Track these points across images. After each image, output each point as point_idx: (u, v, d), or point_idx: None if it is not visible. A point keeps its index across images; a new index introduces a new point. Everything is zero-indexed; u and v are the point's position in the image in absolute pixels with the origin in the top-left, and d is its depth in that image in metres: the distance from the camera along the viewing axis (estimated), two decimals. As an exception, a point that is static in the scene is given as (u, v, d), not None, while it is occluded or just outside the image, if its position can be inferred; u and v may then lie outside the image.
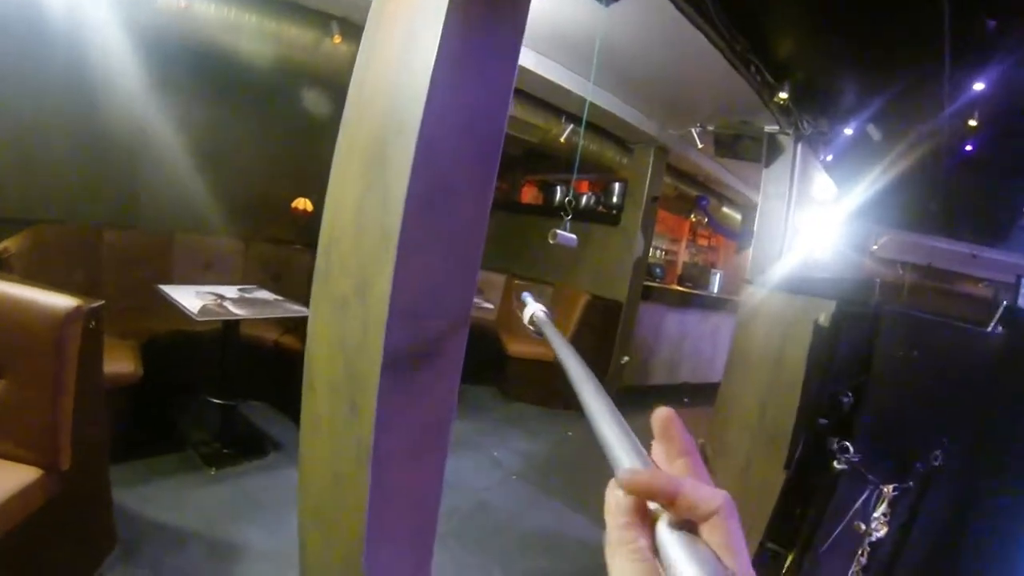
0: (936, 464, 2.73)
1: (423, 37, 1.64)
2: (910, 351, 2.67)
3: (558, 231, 1.85)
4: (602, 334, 6.99)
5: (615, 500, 0.46)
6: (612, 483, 0.47)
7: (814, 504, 3.27)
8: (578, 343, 5.15)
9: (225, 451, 4.24)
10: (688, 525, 0.43)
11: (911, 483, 2.68)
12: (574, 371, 0.72)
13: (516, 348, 6.47)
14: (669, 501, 0.44)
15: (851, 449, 2.49)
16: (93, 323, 2.60)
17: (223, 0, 4.19)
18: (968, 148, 5.90)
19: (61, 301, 2.42)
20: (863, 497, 2.60)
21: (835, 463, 2.52)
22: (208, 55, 4.62)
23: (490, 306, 6.42)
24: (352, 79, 2.15)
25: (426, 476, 1.99)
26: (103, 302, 2.71)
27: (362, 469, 1.78)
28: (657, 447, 0.53)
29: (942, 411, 2.76)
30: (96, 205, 5.23)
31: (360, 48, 2.15)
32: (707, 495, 0.43)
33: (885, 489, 2.56)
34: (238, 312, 4.00)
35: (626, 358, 7.10)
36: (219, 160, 6.00)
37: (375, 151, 1.79)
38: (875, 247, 10.40)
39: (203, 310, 3.86)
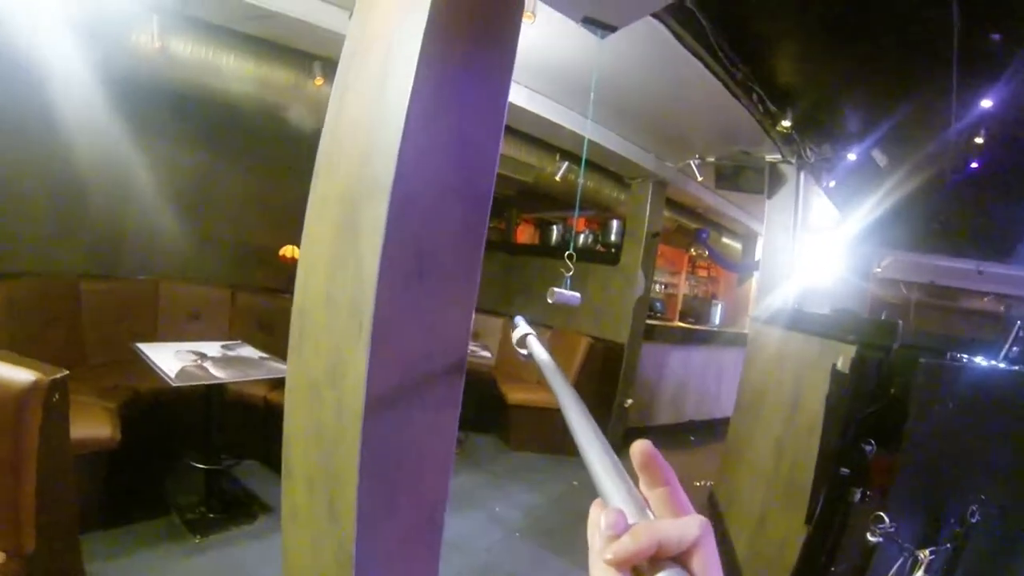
0: (973, 521, 2.50)
1: (396, 78, 1.44)
2: (945, 401, 2.45)
3: (556, 290, 1.65)
4: (604, 377, 6.73)
5: (603, 516, 0.48)
6: (596, 503, 0.52)
7: (839, 562, 3.06)
8: (580, 388, 4.99)
9: (211, 516, 3.99)
10: (670, 562, 0.45)
11: (948, 545, 2.45)
12: (564, 397, 0.74)
13: (516, 396, 6.21)
14: (655, 553, 0.45)
15: (887, 520, 2.26)
16: (57, 396, 2.37)
17: (199, 41, 4.06)
18: (974, 165, 5.76)
19: (19, 375, 2.22)
20: (897, 564, 2.37)
21: (869, 536, 2.29)
22: (189, 98, 4.52)
23: (487, 354, 6.22)
24: (324, 126, 1.95)
25: (417, 579, 1.75)
26: (67, 372, 2.45)
27: (344, 574, 1.56)
28: (640, 477, 0.55)
29: (976, 464, 2.54)
30: (74, 254, 5.05)
31: (332, 91, 1.95)
32: (685, 532, 0.45)
33: (921, 555, 2.33)
34: (219, 375, 3.79)
35: (629, 401, 6.86)
36: (204, 205, 5.86)
37: (346, 215, 1.58)
38: (878, 269, 10.30)
39: (181, 373, 3.65)
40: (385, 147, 1.42)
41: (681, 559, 0.45)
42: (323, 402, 1.65)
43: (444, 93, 1.48)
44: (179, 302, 5.54)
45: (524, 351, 1.18)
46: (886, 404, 2.91)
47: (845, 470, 3.01)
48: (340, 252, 1.58)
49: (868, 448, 3.00)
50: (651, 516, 0.50)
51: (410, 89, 1.39)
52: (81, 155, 4.92)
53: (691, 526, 0.46)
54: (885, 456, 3.01)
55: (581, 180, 4.71)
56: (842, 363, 3.09)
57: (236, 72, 4.24)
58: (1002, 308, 11.68)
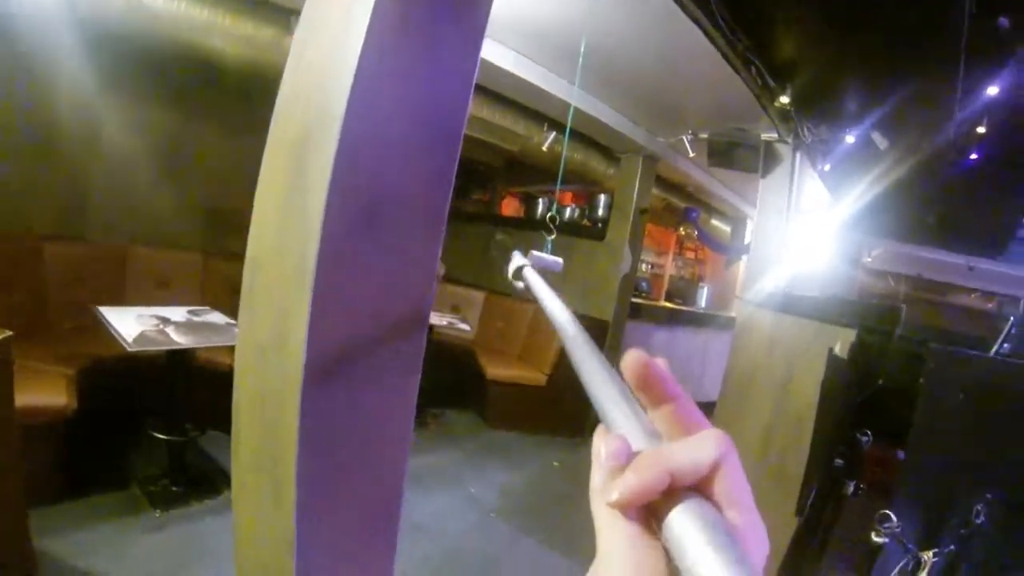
0: (978, 522, 2.34)
1: (356, 8, 1.24)
2: (955, 392, 2.28)
3: (536, 253, 1.47)
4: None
5: (603, 445, 0.40)
6: (599, 430, 0.43)
7: (830, 559, 2.92)
8: (562, 368, 4.81)
9: (174, 489, 3.82)
10: (688, 491, 0.37)
11: (952, 546, 2.29)
12: (565, 328, 0.66)
13: (496, 371, 6.03)
14: (668, 486, 0.36)
15: (894, 518, 2.09)
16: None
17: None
18: (973, 157, 5.65)
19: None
20: (900, 566, 2.21)
21: (873, 536, 2.12)
22: (164, 54, 4.31)
23: (467, 327, 6.02)
24: (284, 72, 1.74)
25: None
26: (9, 334, 2.34)
27: (287, 564, 1.37)
28: (640, 398, 0.45)
29: (985, 461, 2.38)
30: (38, 215, 4.85)
31: (295, 36, 1.75)
32: (700, 454, 0.37)
33: (925, 557, 2.17)
34: (179, 340, 3.60)
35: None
36: (177, 167, 5.65)
37: (297, 157, 1.38)
38: (868, 259, 10.24)
39: (140, 338, 3.45)
40: (339, 82, 1.23)
41: (700, 487, 0.37)
42: (268, 367, 1.46)
43: (408, 26, 1.28)
44: (149, 267, 5.35)
45: (520, 283, 1.09)
46: (885, 392, 2.76)
47: (839, 461, 2.87)
48: (290, 197, 1.39)
49: (864, 439, 2.88)
50: (661, 440, 0.41)
51: (369, 15, 1.19)
52: (48, 110, 4.74)
53: (706, 446, 0.38)
54: (881, 447, 2.89)
55: (565, 145, 4.51)
56: (840, 348, 2.93)
57: (211, 26, 4.04)
58: (989, 305, 11.73)
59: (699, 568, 0.32)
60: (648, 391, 0.44)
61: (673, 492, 0.36)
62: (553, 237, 2.29)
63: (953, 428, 2.31)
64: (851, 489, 2.90)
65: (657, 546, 0.37)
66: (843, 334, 2.95)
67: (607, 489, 0.38)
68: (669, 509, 0.36)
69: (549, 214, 2.34)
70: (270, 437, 1.46)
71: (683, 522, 0.35)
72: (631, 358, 0.44)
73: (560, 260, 1.51)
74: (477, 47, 1.49)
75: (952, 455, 2.32)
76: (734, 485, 0.38)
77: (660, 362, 0.45)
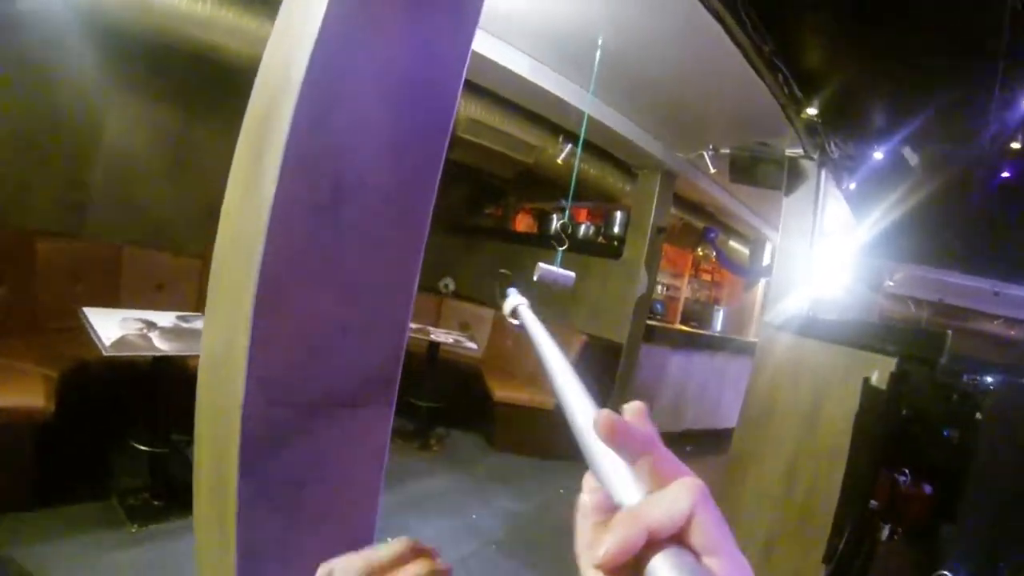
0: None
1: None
2: (1018, 432, 2.03)
3: (543, 265, 1.26)
4: (599, 379, 6.30)
5: (586, 498, 0.45)
6: (587, 476, 0.46)
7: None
8: (572, 390, 4.58)
9: (155, 503, 3.63)
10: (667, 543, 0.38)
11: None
12: (558, 374, 0.62)
13: (503, 393, 5.81)
14: (646, 541, 0.38)
15: (949, 576, 1.85)
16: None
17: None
18: (1005, 175, 5.46)
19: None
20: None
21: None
22: (167, 50, 4.19)
23: (474, 346, 5.81)
24: (267, 47, 1.52)
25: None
26: None
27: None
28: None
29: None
30: (33, 210, 4.72)
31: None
32: (674, 508, 0.38)
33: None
34: (162, 346, 3.41)
35: (625, 405, 6.44)
36: (177, 168, 5.51)
37: (259, 132, 1.15)
38: (890, 283, 10.07)
39: (119, 342, 3.27)
40: (304, 39, 0.99)
41: (679, 536, 0.37)
42: (220, 383, 1.22)
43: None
44: (145, 269, 5.19)
45: (516, 321, 1.06)
46: (910, 422, 2.52)
47: (874, 502, 2.64)
48: (248, 188, 1.15)
49: (902, 479, 2.63)
50: (639, 482, 0.41)
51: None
52: (48, 104, 4.64)
53: (680, 498, 0.38)
54: (918, 487, 2.66)
55: (579, 154, 4.30)
56: (877, 378, 2.67)
57: (213, 21, 3.93)
58: (1012, 332, 11.49)
59: None
60: (623, 449, 0.44)
61: (653, 544, 0.37)
62: (564, 248, 2.07)
63: (1013, 472, 2.07)
64: (886, 534, 2.66)
65: None
66: (880, 362, 2.70)
67: (591, 547, 0.41)
68: (649, 561, 0.37)
69: (560, 222, 2.12)
70: (220, 466, 1.22)
71: (663, 573, 0.36)
72: (601, 421, 0.43)
73: (572, 274, 1.31)
74: (469, 29, 1.25)
75: (1011, 502, 2.07)
76: (710, 532, 0.38)
77: (635, 409, 0.47)
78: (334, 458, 1.17)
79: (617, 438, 0.43)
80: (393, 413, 1.23)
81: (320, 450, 1.13)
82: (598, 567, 0.38)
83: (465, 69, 1.20)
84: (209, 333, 1.39)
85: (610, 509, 0.41)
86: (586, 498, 0.45)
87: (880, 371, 2.68)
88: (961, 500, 2.26)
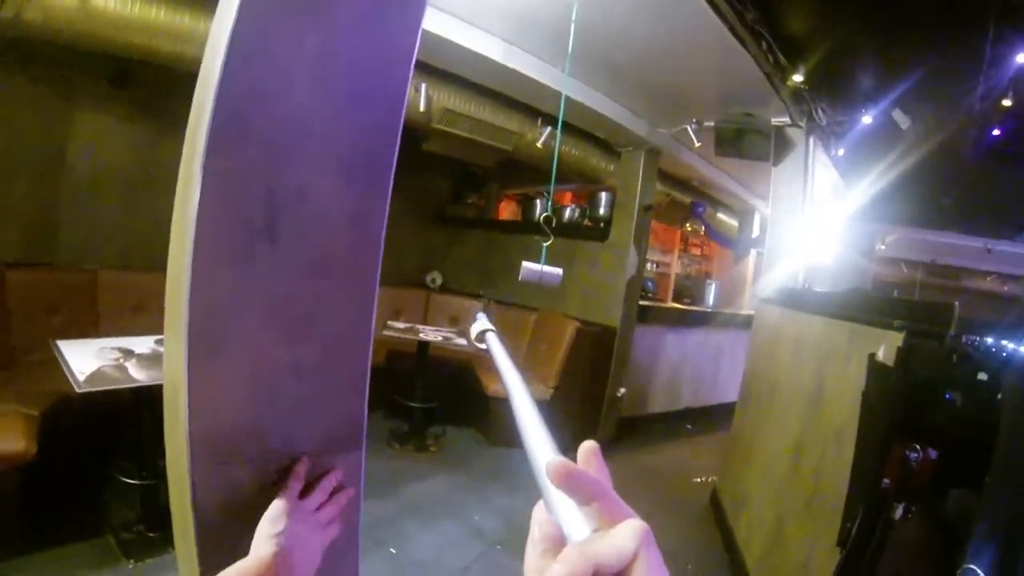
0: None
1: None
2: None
3: (527, 264, 1.16)
4: (594, 365, 6.23)
5: (536, 527, 0.50)
6: (538, 506, 0.51)
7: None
8: (568, 377, 4.44)
9: (150, 535, 3.51)
10: None
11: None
12: (520, 405, 0.67)
13: (497, 387, 5.65)
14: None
15: (980, 574, 1.74)
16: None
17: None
18: (996, 132, 5.39)
19: None
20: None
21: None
22: (130, 61, 4.11)
23: (463, 342, 5.66)
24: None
25: None
26: None
27: None
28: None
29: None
30: (2, 240, 4.57)
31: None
32: (622, 548, 0.42)
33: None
34: (138, 376, 3.25)
35: (622, 390, 6.36)
36: (148, 185, 5.32)
37: (189, 147, 1.01)
38: (882, 247, 10.04)
39: (95, 376, 3.15)
40: (220, 35, 0.86)
41: (623, 573, 0.41)
42: (169, 440, 1.09)
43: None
44: (122, 292, 5.01)
45: (483, 345, 1.05)
46: (929, 395, 2.43)
47: (886, 481, 2.54)
48: (178, 203, 1.02)
49: (913, 456, 2.54)
50: (588, 525, 0.45)
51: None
52: (6, 129, 4.48)
53: (627, 542, 0.42)
54: (926, 456, 2.58)
55: (559, 138, 4.17)
56: (884, 353, 2.56)
57: (168, 27, 3.78)
58: (1006, 288, 11.53)
59: None
60: (575, 494, 0.47)
61: None
62: (550, 243, 1.96)
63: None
64: (900, 513, 2.56)
65: None
66: (887, 337, 2.59)
67: (539, 572, 0.46)
68: None
69: (544, 215, 2.01)
70: (183, 519, 1.09)
71: None
72: (554, 470, 0.47)
73: (559, 271, 1.23)
74: (419, 4, 1.11)
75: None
76: (652, 572, 0.41)
77: (587, 450, 0.52)
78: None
79: (568, 484, 0.47)
80: (363, 455, 1.10)
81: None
82: None
83: (415, 49, 1.06)
84: (167, 375, 1.27)
85: (559, 540, 0.47)
86: (536, 528, 0.50)
87: (887, 346, 2.58)
88: (968, 464, 2.18)
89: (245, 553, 0.90)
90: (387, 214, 1.02)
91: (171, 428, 1.06)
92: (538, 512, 0.51)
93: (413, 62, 1.05)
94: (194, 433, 0.86)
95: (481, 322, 1.09)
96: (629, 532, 0.42)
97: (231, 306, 0.87)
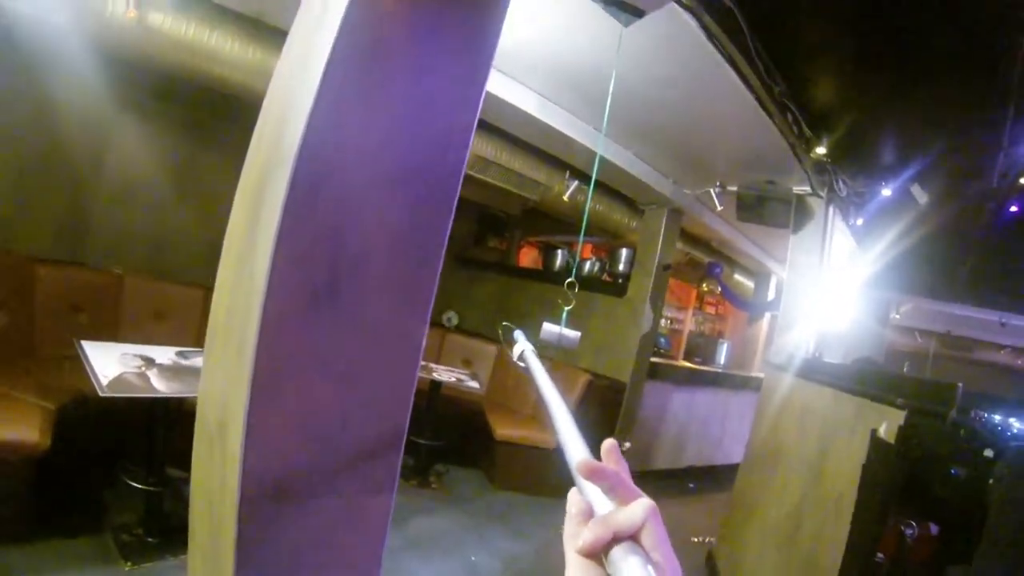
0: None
1: (326, 23, 0.97)
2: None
3: (548, 325, 1.25)
4: (602, 417, 6.23)
5: (573, 505, 0.63)
6: (573, 491, 0.66)
7: None
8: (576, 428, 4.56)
9: (149, 540, 3.56)
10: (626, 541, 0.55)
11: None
12: (558, 414, 0.80)
13: (504, 432, 5.71)
14: (613, 537, 0.55)
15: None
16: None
17: (179, 14, 3.64)
18: (1013, 209, 5.45)
19: None
20: None
21: None
22: (173, 79, 4.14)
23: (476, 385, 5.72)
24: (266, 95, 1.48)
25: None
26: None
27: None
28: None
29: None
30: (34, 236, 4.66)
31: (282, 52, 1.50)
32: (633, 518, 0.56)
33: None
34: (160, 387, 3.32)
35: (627, 444, 6.37)
36: (183, 197, 5.48)
37: (255, 199, 1.11)
38: (897, 316, 10.04)
39: (116, 381, 3.20)
40: (299, 106, 0.95)
41: (634, 538, 0.55)
42: (213, 461, 1.17)
43: (386, 54, 1.01)
44: (146, 299, 5.12)
45: (523, 364, 1.15)
46: (933, 468, 2.48)
47: (880, 555, 2.58)
48: (243, 257, 1.11)
49: (909, 532, 2.59)
50: (610, 502, 0.60)
51: (336, 30, 0.92)
52: (52, 129, 4.62)
53: (637, 513, 0.56)
54: (925, 531, 2.63)
55: (590, 197, 4.25)
56: (886, 430, 2.62)
57: (218, 52, 3.84)
58: (1019, 362, 11.49)
59: None
60: (599, 483, 0.62)
61: (616, 540, 0.54)
62: (571, 308, 2.04)
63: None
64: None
65: (604, 574, 0.55)
66: (889, 414, 2.65)
67: (574, 537, 0.58)
68: (612, 549, 0.54)
69: (568, 280, 2.08)
70: (214, 540, 1.17)
71: (621, 557, 0.52)
72: (583, 467, 0.62)
73: (577, 334, 1.33)
74: (478, 86, 1.21)
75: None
76: (656, 537, 0.55)
77: (608, 447, 0.69)
78: (332, 543, 1.12)
79: (594, 477, 0.62)
80: (394, 497, 1.18)
81: (318, 537, 1.09)
82: (578, 552, 0.56)
83: (471, 138, 1.16)
84: (204, 402, 1.34)
85: (589, 514, 0.60)
86: (572, 507, 0.63)
87: (889, 423, 2.63)
88: (970, 540, 2.21)
89: (276, 570, 0.98)
90: (437, 281, 1.12)
91: (216, 459, 1.14)
92: (573, 495, 0.64)
93: (470, 143, 1.15)
94: (247, 470, 0.94)
95: (522, 343, 1.20)
96: (639, 507, 0.56)
97: (293, 357, 0.96)
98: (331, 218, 0.96)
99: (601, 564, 0.55)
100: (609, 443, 0.69)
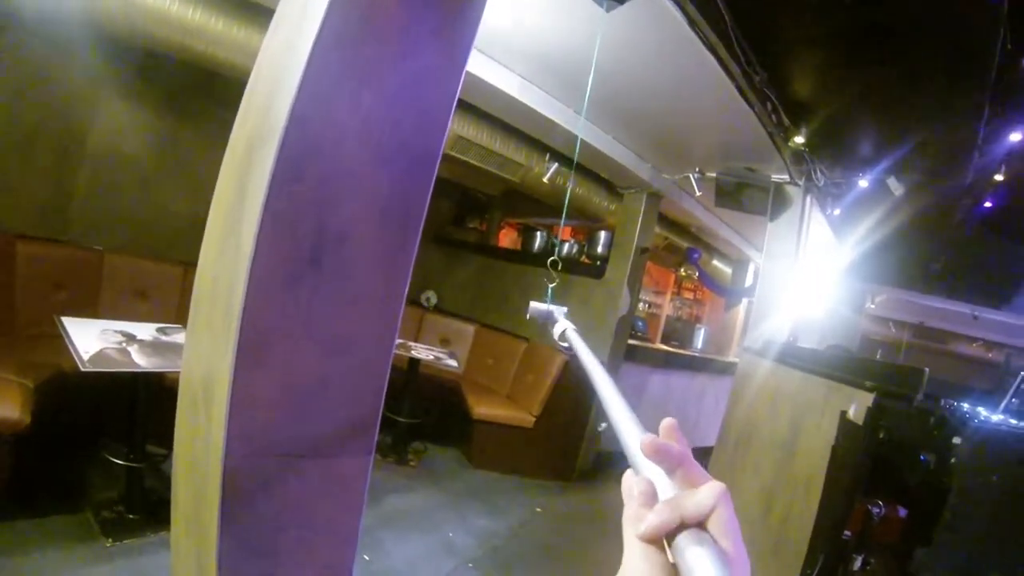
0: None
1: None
2: (990, 473, 2.05)
3: (534, 304, 1.30)
4: (578, 398, 6.27)
5: (635, 485, 0.58)
6: (628, 473, 0.62)
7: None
8: (551, 408, 4.55)
9: (130, 517, 3.57)
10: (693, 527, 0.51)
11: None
12: (602, 385, 0.83)
13: (482, 411, 5.76)
14: (680, 524, 0.52)
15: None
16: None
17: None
18: (987, 205, 5.52)
19: None
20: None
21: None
22: (157, 55, 4.17)
23: (454, 364, 5.76)
24: (252, 71, 1.51)
25: None
26: None
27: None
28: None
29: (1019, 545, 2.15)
30: (13, 212, 4.63)
31: (268, 30, 1.52)
32: (701, 503, 0.52)
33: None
34: (141, 362, 3.33)
35: (604, 424, 6.42)
36: (166, 173, 5.47)
37: (241, 171, 1.14)
38: (872, 306, 10.14)
39: (97, 357, 3.21)
40: (284, 88, 0.99)
41: (703, 525, 0.51)
42: (197, 424, 1.21)
43: (373, 32, 1.04)
44: (126, 276, 5.12)
45: (565, 344, 1.22)
46: (902, 453, 2.56)
47: (847, 533, 2.65)
48: (229, 227, 1.14)
49: (876, 511, 2.65)
50: (672, 485, 0.57)
51: (325, 8, 0.96)
52: (33, 106, 4.59)
53: (706, 497, 0.52)
54: (893, 512, 2.70)
55: (571, 180, 4.28)
56: (855, 412, 2.69)
57: (202, 29, 3.84)
58: (990, 354, 11.62)
59: None
60: (664, 464, 0.58)
61: (682, 526, 0.51)
62: (555, 284, 2.08)
63: (986, 513, 2.08)
64: (859, 564, 2.68)
65: (666, 562, 0.53)
66: (858, 396, 2.71)
67: (636, 520, 0.54)
68: (678, 535, 0.50)
69: (551, 259, 2.12)
70: (198, 505, 1.21)
71: (687, 545, 0.49)
72: (647, 446, 0.58)
73: (564, 310, 1.37)
74: (459, 66, 1.24)
75: (983, 541, 2.09)
76: (726, 523, 0.51)
77: (668, 427, 0.62)
78: (314, 504, 1.16)
79: (659, 457, 0.58)
80: (372, 460, 1.22)
81: (300, 497, 1.13)
82: (640, 537, 0.53)
83: (451, 118, 1.20)
84: (189, 372, 1.37)
85: (653, 495, 0.56)
86: (633, 484, 0.58)
87: (858, 405, 2.70)
88: (937, 524, 2.27)
89: (263, 536, 1.03)
90: (415, 252, 1.16)
91: (201, 423, 1.17)
92: (629, 476, 0.60)
93: (450, 121, 1.19)
94: (232, 428, 0.98)
95: (563, 322, 1.21)
96: (709, 491, 0.52)
97: (278, 324, 0.99)
98: (317, 191, 1.00)
99: (663, 550, 0.53)
100: (669, 421, 0.63)
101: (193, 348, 1.37)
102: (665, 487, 0.56)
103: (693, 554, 0.47)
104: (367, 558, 3.76)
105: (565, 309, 1.39)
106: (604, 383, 0.82)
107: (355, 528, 1.23)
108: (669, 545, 0.51)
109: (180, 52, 3.96)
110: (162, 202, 5.45)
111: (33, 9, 3.80)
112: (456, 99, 1.20)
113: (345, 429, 1.14)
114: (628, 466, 0.64)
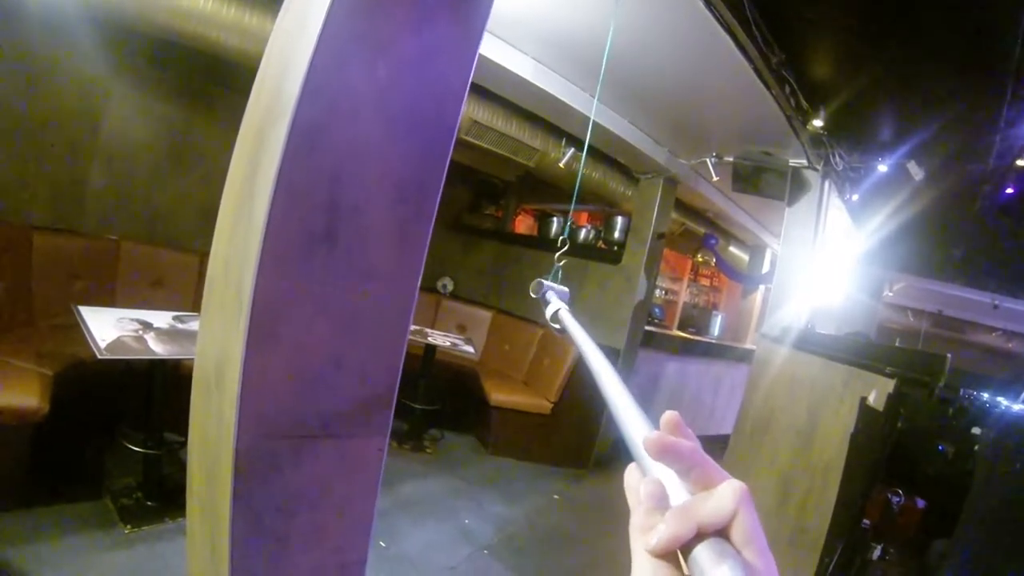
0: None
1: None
2: (1014, 463, 2.01)
3: (542, 280, 1.26)
4: (595, 385, 6.17)
5: (641, 488, 0.51)
6: (632, 467, 0.56)
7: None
8: (569, 394, 4.53)
9: (148, 504, 3.60)
10: (712, 536, 0.45)
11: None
12: (601, 372, 0.74)
13: (499, 397, 5.75)
14: (697, 534, 0.45)
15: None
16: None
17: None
18: (1009, 191, 5.44)
19: None
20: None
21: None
22: (169, 44, 4.11)
23: (471, 350, 5.77)
24: (265, 51, 1.49)
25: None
26: None
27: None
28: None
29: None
30: (29, 203, 4.66)
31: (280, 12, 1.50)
32: (720, 507, 0.46)
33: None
34: (158, 350, 3.36)
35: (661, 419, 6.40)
36: (179, 162, 5.48)
37: (254, 147, 1.12)
38: (890, 293, 10.05)
39: (115, 344, 3.23)
40: (298, 57, 0.96)
41: (722, 532, 0.45)
42: (209, 406, 1.19)
43: (384, 8, 1.02)
44: (142, 265, 5.15)
45: (557, 326, 1.11)
46: (921, 443, 2.53)
47: (866, 522, 2.62)
48: (242, 204, 1.12)
49: (896, 499, 2.62)
50: (684, 485, 0.50)
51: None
52: (47, 96, 4.58)
53: (726, 500, 0.46)
54: (911, 503, 2.66)
55: (583, 162, 4.24)
56: (875, 398, 2.65)
57: (214, 16, 3.83)
58: (1010, 344, 11.50)
59: None
60: (675, 464, 0.51)
61: (700, 536, 0.44)
62: (562, 264, 2.05)
63: (1008, 503, 2.04)
64: (878, 553, 2.64)
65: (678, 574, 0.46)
66: (879, 383, 2.67)
67: (645, 531, 0.48)
68: (695, 546, 0.44)
69: (561, 237, 2.09)
70: (211, 487, 1.20)
71: (707, 559, 0.43)
72: (653, 445, 0.51)
73: (566, 290, 1.30)
74: (474, 40, 1.22)
75: (1006, 533, 2.05)
76: (749, 529, 0.45)
77: (671, 422, 0.55)
78: (327, 486, 1.15)
79: (668, 456, 0.51)
80: (387, 440, 1.21)
81: (313, 478, 1.11)
82: (651, 552, 0.46)
83: (466, 92, 1.17)
84: (202, 355, 1.36)
85: (663, 499, 0.49)
86: (640, 485, 0.51)
87: (878, 391, 2.66)
88: (956, 514, 2.24)
89: (275, 518, 1.01)
90: (431, 230, 1.13)
91: (214, 403, 1.16)
92: (632, 474, 0.54)
93: (466, 96, 1.16)
94: (243, 407, 0.96)
95: (555, 301, 1.14)
96: (728, 493, 0.46)
97: (290, 300, 0.98)
98: (329, 165, 0.98)
99: (678, 565, 0.46)
100: (671, 415, 0.55)
101: (206, 329, 1.36)
102: (676, 488, 0.50)
103: (713, 567, 0.42)
104: (383, 544, 3.76)
105: (566, 289, 1.24)
106: (604, 371, 0.74)
107: (370, 511, 1.22)
108: (685, 559, 0.45)
109: (192, 41, 3.94)
110: (177, 191, 5.46)
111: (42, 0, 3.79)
112: (472, 72, 1.17)
113: (359, 408, 1.12)
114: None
